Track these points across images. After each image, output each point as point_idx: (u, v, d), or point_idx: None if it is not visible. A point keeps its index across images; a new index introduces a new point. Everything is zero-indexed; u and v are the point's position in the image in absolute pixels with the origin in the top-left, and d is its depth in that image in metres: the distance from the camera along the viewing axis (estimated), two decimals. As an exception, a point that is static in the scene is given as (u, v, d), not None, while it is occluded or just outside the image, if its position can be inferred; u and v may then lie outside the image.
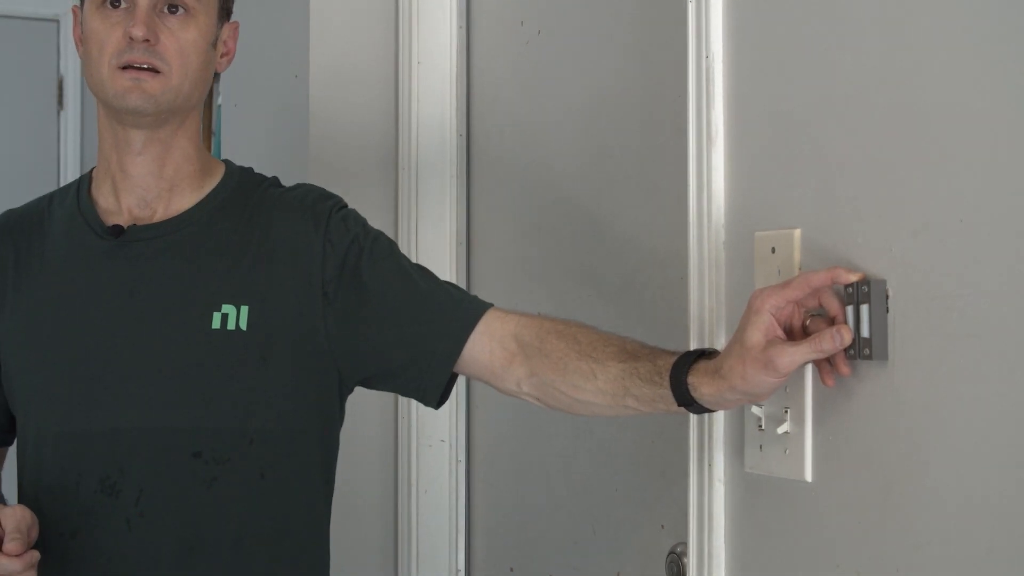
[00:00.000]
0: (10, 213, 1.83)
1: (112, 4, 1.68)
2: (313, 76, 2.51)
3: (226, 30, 1.79)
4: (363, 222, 1.79)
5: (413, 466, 2.48)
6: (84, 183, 1.80)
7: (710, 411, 1.51)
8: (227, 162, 1.84)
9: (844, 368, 1.41)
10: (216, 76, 3.19)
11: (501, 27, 2.36)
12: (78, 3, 1.75)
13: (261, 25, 2.69)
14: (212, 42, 1.74)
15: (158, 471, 1.67)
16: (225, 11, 1.78)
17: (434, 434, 2.46)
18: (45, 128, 4.86)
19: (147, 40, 1.65)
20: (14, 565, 1.49)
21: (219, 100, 3.17)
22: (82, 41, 1.74)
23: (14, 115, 4.83)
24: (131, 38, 1.65)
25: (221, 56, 1.79)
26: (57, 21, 4.71)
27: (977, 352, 1.28)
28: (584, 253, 2.09)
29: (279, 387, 1.71)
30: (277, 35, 2.68)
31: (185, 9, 1.69)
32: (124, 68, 1.66)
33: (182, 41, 1.68)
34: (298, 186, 1.85)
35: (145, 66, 1.66)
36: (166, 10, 1.68)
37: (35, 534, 1.54)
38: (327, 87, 2.52)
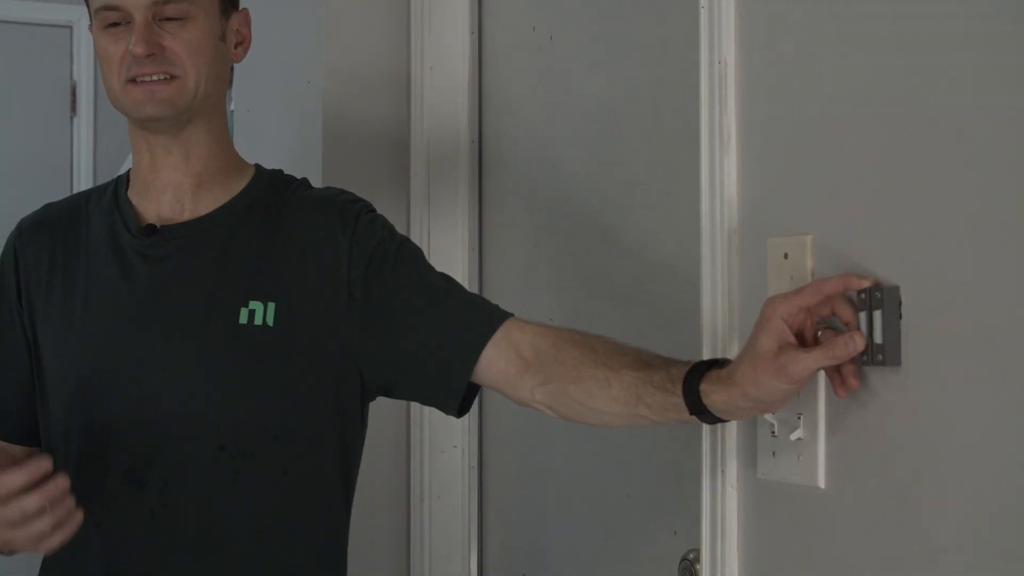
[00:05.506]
0: (49, 208, 1.87)
1: (115, 23, 1.71)
2: (326, 82, 2.51)
3: (236, 20, 1.81)
4: (391, 227, 1.81)
5: (426, 472, 2.48)
6: (122, 183, 1.83)
7: (722, 421, 1.51)
8: (257, 165, 1.86)
9: (853, 380, 1.41)
10: (228, 82, 3.19)
11: (513, 33, 2.36)
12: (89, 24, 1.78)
13: (274, 31, 2.69)
14: (219, 36, 1.76)
15: (183, 462, 1.69)
16: (230, 2, 1.79)
17: (447, 440, 2.46)
18: (58, 134, 4.88)
19: (152, 55, 1.68)
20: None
21: (232, 106, 3.17)
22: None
23: (27, 121, 4.85)
24: (133, 56, 1.68)
25: (236, 46, 1.81)
26: (70, 28, 4.73)
27: (990, 358, 1.28)
28: (596, 258, 2.09)
29: (303, 384, 1.73)
30: (290, 41, 2.69)
31: (183, 15, 1.71)
32: (134, 82, 1.70)
33: (187, 42, 1.71)
34: (327, 188, 1.88)
35: (155, 77, 1.69)
36: (166, 18, 1.70)
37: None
38: (340, 93, 2.53)
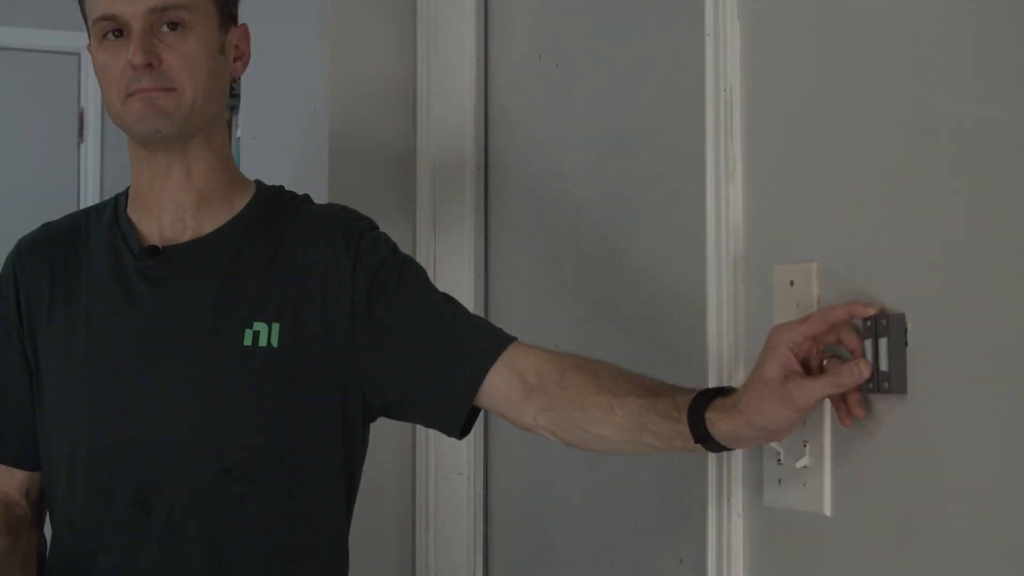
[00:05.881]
0: (47, 227, 1.85)
1: (114, 34, 1.69)
2: (331, 109, 2.52)
3: (234, 34, 1.78)
4: (394, 246, 1.80)
5: (431, 500, 2.47)
6: (121, 202, 1.82)
7: (727, 449, 1.50)
8: (258, 182, 1.85)
9: (858, 409, 1.40)
10: (233, 109, 3.21)
11: (519, 60, 2.37)
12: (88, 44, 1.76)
13: (280, 59, 2.70)
14: (218, 49, 1.74)
15: (189, 487, 1.68)
16: (228, 16, 1.77)
17: (452, 467, 2.45)
18: (66, 160, 4.90)
19: (149, 64, 1.66)
20: None
21: (238, 133, 3.18)
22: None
23: (35, 147, 4.87)
24: (133, 66, 1.66)
25: (235, 60, 1.79)
26: (78, 55, 4.76)
27: (996, 385, 1.27)
28: (602, 285, 2.09)
29: (308, 405, 1.72)
30: (296, 68, 2.69)
31: (181, 24, 1.69)
32: (133, 95, 1.67)
33: (185, 54, 1.68)
34: (330, 205, 1.87)
35: (156, 89, 1.67)
36: (165, 28, 1.68)
37: None
38: (346, 119, 2.53)
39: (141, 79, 1.67)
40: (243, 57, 1.81)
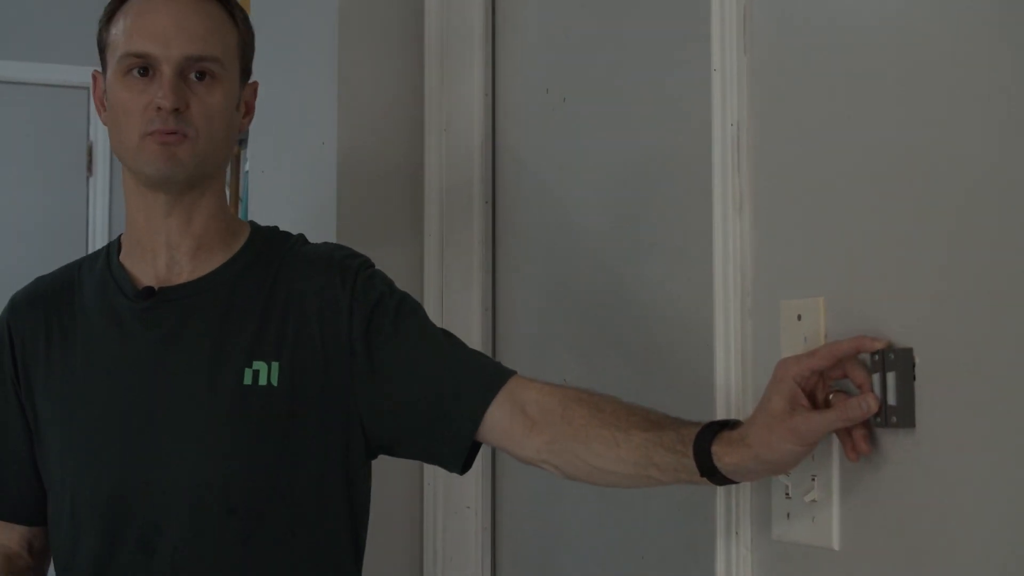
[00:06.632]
0: (40, 281, 1.85)
1: (139, 72, 1.68)
2: (340, 143, 2.53)
3: (248, 90, 1.80)
4: (390, 283, 1.80)
5: (439, 533, 2.47)
6: (114, 248, 1.82)
7: (733, 482, 1.50)
8: (252, 223, 1.86)
9: (864, 445, 1.40)
10: (242, 142, 3.22)
11: (526, 95, 2.37)
12: (99, 69, 1.75)
13: (289, 93, 2.71)
14: (236, 104, 1.75)
15: (193, 528, 1.68)
16: (245, 72, 1.79)
17: (460, 501, 2.45)
18: (74, 193, 4.92)
19: (177, 109, 1.66)
20: None
21: (247, 166, 3.19)
22: (105, 107, 1.75)
23: (44, 180, 4.89)
24: (159, 108, 1.65)
25: (243, 116, 1.81)
26: (87, 89, 4.78)
27: (1004, 419, 1.27)
28: (610, 320, 2.09)
29: (310, 443, 1.71)
30: (305, 103, 2.70)
31: (211, 75, 1.69)
32: (152, 135, 1.67)
33: (209, 107, 1.69)
34: (325, 244, 1.87)
35: (173, 132, 1.67)
36: (193, 76, 1.68)
37: None
38: (354, 154, 2.54)
39: (166, 120, 1.66)
40: (250, 113, 1.82)
